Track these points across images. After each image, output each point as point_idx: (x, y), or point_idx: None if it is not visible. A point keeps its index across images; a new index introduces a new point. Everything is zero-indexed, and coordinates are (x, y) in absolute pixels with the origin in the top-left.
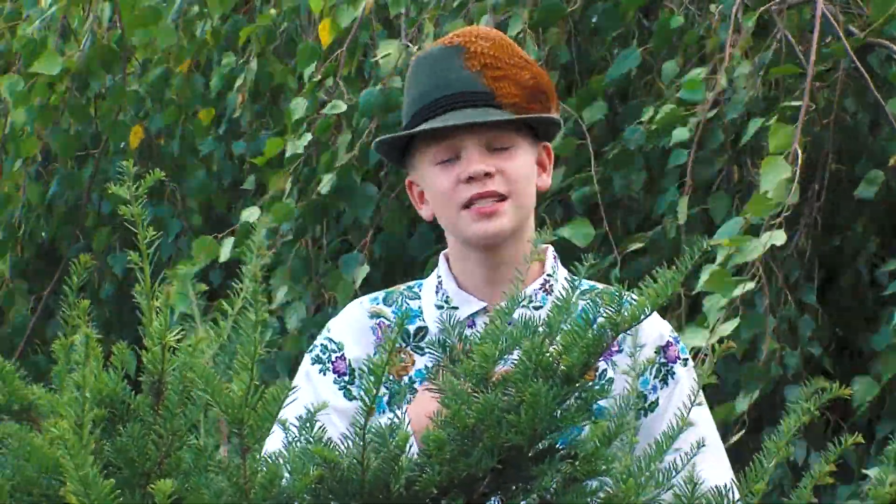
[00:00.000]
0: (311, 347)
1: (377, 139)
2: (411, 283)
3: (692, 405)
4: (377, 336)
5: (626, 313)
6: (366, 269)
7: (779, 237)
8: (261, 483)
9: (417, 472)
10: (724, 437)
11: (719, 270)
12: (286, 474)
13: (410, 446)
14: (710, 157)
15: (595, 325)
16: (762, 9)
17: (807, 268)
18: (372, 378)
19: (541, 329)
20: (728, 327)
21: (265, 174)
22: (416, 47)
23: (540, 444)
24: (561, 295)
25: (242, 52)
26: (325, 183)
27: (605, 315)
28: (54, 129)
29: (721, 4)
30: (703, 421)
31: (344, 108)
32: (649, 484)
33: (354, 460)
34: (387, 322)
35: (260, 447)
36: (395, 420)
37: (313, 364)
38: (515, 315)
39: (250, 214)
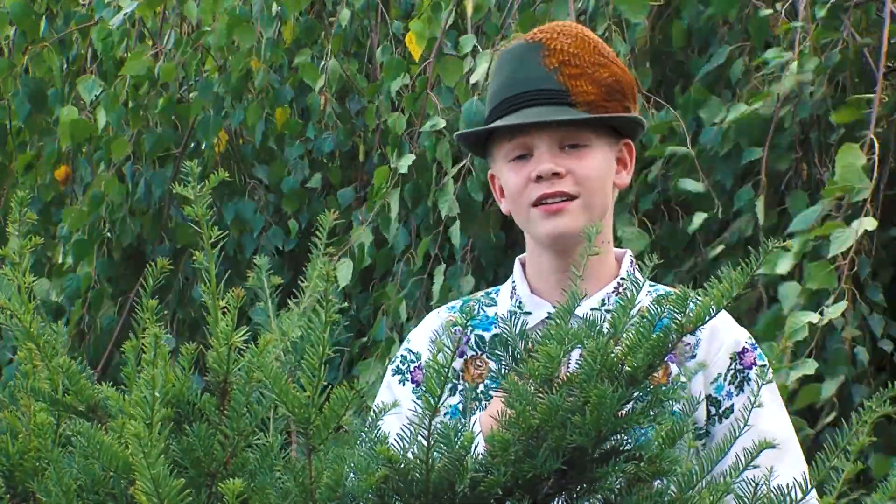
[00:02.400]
0: (393, 359)
1: (459, 132)
2: (489, 290)
3: (753, 405)
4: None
5: (690, 314)
6: (471, 280)
7: (869, 223)
8: (326, 483)
9: (482, 472)
10: (813, 423)
11: (824, 264)
12: (351, 474)
13: (475, 447)
14: (783, 155)
15: (659, 327)
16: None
17: (874, 264)
18: (435, 377)
19: (605, 329)
20: (837, 309)
21: (333, 172)
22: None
23: (604, 446)
24: (625, 296)
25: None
26: (444, 204)
27: (669, 316)
28: (146, 131)
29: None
30: (778, 419)
31: (444, 124)
32: (712, 487)
33: (419, 460)
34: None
35: (325, 447)
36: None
37: (394, 375)
38: (580, 313)
39: (361, 237)
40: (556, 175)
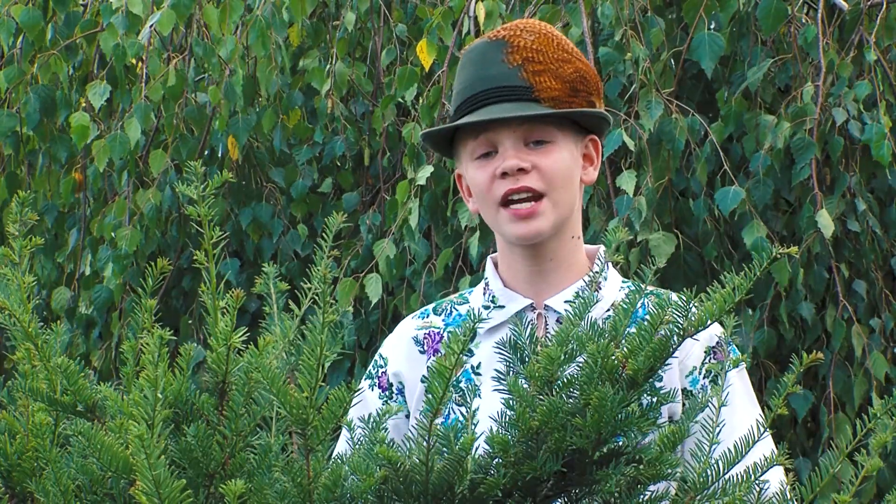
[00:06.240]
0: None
1: (423, 132)
2: (462, 291)
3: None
4: (420, 346)
5: (692, 318)
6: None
7: None
8: (325, 484)
9: (482, 474)
10: None
11: None
12: (350, 475)
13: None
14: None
15: (660, 330)
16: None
17: None
18: (438, 380)
19: (606, 333)
20: None
21: (343, 176)
22: None
23: (604, 448)
24: (626, 300)
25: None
26: (465, 215)
27: (670, 320)
28: (181, 138)
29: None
30: (750, 414)
31: None
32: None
33: (418, 461)
34: (435, 329)
35: (324, 448)
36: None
37: (366, 379)
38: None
39: (385, 249)
40: (522, 171)
